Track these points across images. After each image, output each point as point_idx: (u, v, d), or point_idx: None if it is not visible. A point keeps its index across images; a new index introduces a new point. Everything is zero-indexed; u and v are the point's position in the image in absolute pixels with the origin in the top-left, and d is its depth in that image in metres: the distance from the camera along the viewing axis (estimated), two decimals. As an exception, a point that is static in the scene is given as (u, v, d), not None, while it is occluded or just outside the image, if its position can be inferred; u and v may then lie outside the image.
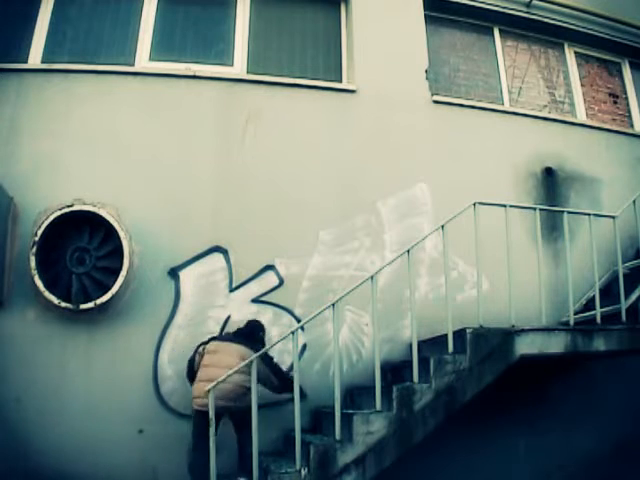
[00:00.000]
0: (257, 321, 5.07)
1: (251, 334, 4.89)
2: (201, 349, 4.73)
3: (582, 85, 7.21)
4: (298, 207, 5.62)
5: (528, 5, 6.88)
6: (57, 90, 5.44)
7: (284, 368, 5.02)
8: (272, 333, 5.28)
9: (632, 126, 7.29)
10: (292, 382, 4.33)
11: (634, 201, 5.48)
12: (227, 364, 4.45)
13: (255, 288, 5.39)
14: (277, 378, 4.77)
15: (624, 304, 5.01)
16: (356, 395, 5.13)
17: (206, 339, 4.84)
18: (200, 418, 4.46)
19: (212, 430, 4.11)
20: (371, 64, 6.14)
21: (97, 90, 5.49)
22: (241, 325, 5.02)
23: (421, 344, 4.68)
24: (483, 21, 6.92)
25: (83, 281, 5.07)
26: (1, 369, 4.83)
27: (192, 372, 4.73)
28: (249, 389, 4.24)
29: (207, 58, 5.96)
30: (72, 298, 4.93)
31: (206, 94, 5.70)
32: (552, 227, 6.07)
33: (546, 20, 6.99)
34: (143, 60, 5.77)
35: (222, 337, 4.92)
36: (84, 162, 5.29)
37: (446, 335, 4.56)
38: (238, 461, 4.63)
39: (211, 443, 4.09)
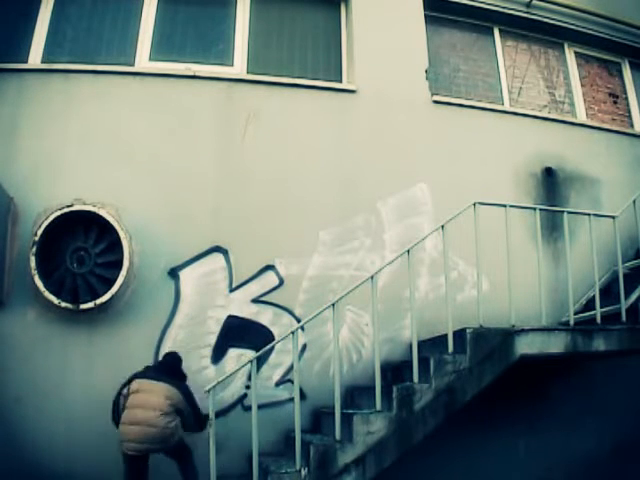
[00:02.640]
0: (175, 353, 4.88)
1: (172, 368, 4.72)
2: (125, 390, 4.49)
3: (582, 85, 7.21)
4: (298, 207, 5.62)
5: (528, 5, 6.88)
6: (57, 90, 5.44)
7: (283, 369, 5.03)
8: (272, 333, 5.29)
9: (632, 126, 7.30)
10: (206, 420, 4.34)
11: (634, 201, 5.48)
12: (153, 405, 4.35)
13: (255, 288, 5.39)
14: (194, 417, 4.59)
15: (624, 304, 5.02)
16: (356, 395, 5.14)
17: (127, 378, 4.57)
18: (131, 462, 4.39)
19: (211, 430, 4.12)
20: (371, 64, 6.14)
21: (97, 90, 5.49)
22: (159, 359, 4.91)
23: (421, 344, 4.68)
24: (483, 21, 6.92)
25: (83, 281, 5.07)
26: (1, 369, 4.83)
27: (117, 415, 4.49)
28: (175, 429, 4.38)
29: (207, 58, 5.95)
30: (74, 298, 4.94)
31: (206, 94, 5.70)
32: (552, 227, 6.07)
33: (546, 20, 6.99)
34: (143, 60, 5.77)
35: (144, 374, 4.59)
36: (84, 162, 5.30)
37: (446, 335, 4.57)
38: None
39: (211, 443, 4.09)
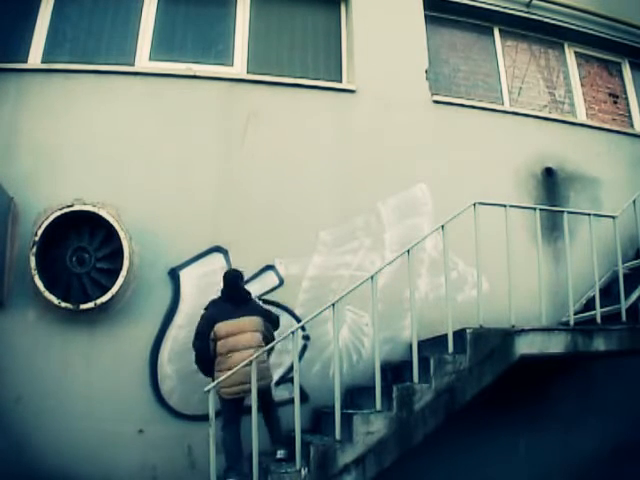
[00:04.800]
0: (234, 272, 4.93)
1: (239, 292, 4.81)
2: (212, 335, 4.62)
3: (582, 85, 7.21)
4: (298, 207, 5.62)
5: (528, 5, 6.88)
6: (57, 90, 5.44)
7: (283, 369, 5.14)
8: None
9: (632, 126, 7.29)
10: (278, 319, 4.88)
11: (634, 201, 5.48)
12: (244, 345, 4.53)
13: (255, 288, 5.38)
14: (274, 327, 4.86)
15: (624, 304, 5.02)
16: (356, 395, 5.14)
17: (205, 308, 4.78)
18: (232, 404, 4.51)
19: (212, 431, 4.12)
20: (371, 64, 6.13)
21: (97, 90, 5.48)
22: (223, 287, 4.88)
23: (421, 344, 4.68)
24: (483, 21, 6.92)
25: (83, 281, 5.07)
26: (1, 369, 4.83)
27: (208, 361, 4.63)
28: (269, 363, 4.69)
29: (207, 58, 5.95)
30: (74, 298, 4.94)
31: (206, 94, 5.70)
32: (552, 227, 6.07)
33: (546, 20, 6.99)
34: (143, 60, 5.76)
35: (223, 314, 4.65)
36: (84, 162, 5.29)
37: (446, 335, 4.56)
38: (273, 436, 4.69)
39: (211, 444, 4.10)
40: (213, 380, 4.46)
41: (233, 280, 4.85)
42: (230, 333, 4.59)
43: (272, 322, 4.87)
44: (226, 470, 4.44)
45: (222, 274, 4.96)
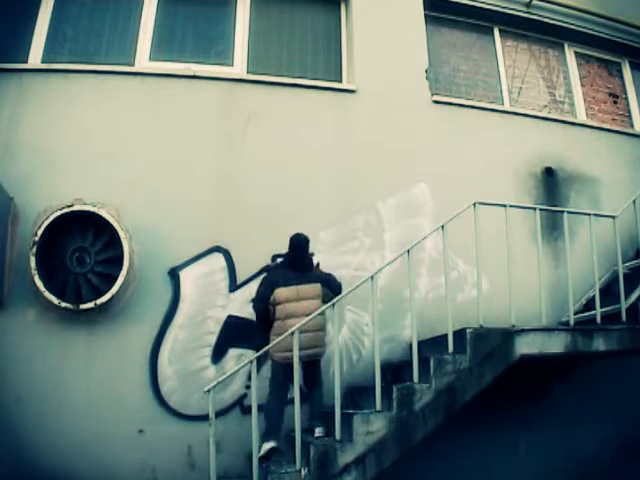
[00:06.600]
0: (300, 237, 4.84)
1: (303, 256, 4.80)
2: (271, 299, 4.64)
3: (582, 85, 7.21)
4: (298, 207, 5.62)
5: (528, 5, 6.88)
6: (57, 90, 5.44)
7: None
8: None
9: (632, 126, 7.30)
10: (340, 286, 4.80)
11: (634, 201, 5.48)
12: (304, 311, 4.52)
13: (255, 288, 5.38)
14: (334, 292, 4.74)
15: (624, 304, 5.02)
16: (356, 395, 5.13)
17: (267, 271, 4.94)
18: (285, 368, 4.46)
19: (212, 431, 4.12)
20: (371, 64, 6.14)
21: (97, 90, 5.48)
22: (288, 250, 4.87)
23: (421, 344, 4.68)
24: (483, 21, 6.92)
25: (83, 281, 5.07)
26: (1, 369, 4.83)
27: (267, 324, 4.68)
28: (324, 328, 4.65)
29: (207, 58, 5.95)
30: (74, 298, 4.94)
31: (206, 94, 5.70)
32: (552, 227, 6.07)
33: (546, 20, 6.99)
34: (143, 60, 5.76)
35: (283, 279, 4.68)
36: (84, 162, 5.29)
37: (446, 335, 4.56)
38: (313, 411, 4.71)
39: (211, 444, 4.09)
40: (267, 344, 4.52)
41: (299, 245, 4.83)
42: (290, 299, 4.63)
43: (333, 289, 4.78)
44: (263, 435, 4.48)
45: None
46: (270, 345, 4.41)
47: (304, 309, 4.56)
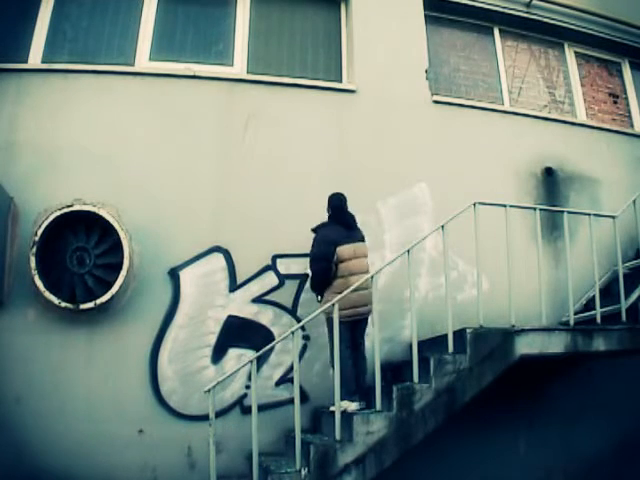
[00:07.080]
0: (339, 196, 5.04)
1: (346, 214, 4.99)
2: (334, 258, 4.75)
3: (582, 85, 7.21)
4: (298, 207, 5.61)
5: (528, 5, 6.88)
6: (57, 90, 5.44)
7: (283, 369, 5.18)
8: (272, 333, 5.29)
9: (632, 126, 7.30)
10: None
11: (634, 201, 5.49)
12: (362, 269, 4.75)
13: (255, 288, 5.39)
14: None
15: (624, 304, 5.02)
16: (356, 395, 5.13)
17: (314, 230, 4.96)
18: (347, 326, 4.65)
19: (212, 431, 4.12)
20: (371, 64, 6.14)
21: (97, 90, 5.48)
22: (331, 210, 5.03)
23: (421, 344, 4.67)
24: (483, 21, 6.92)
25: (83, 281, 5.07)
26: (1, 369, 4.83)
27: (326, 283, 4.79)
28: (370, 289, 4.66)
29: (207, 58, 5.95)
30: (74, 298, 4.93)
31: (206, 94, 5.70)
32: (552, 227, 6.07)
33: (546, 20, 6.99)
34: (143, 60, 5.76)
35: (340, 237, 4.83)
36: (84, 162, 5.29)
37: (446, 335, 4.57)
38: (358, 380, 4.77)
39: (211, 444, 4.10)
40: (321, 300, 4.81)
41: (340, 203, 5.01)
42: (351, 256, 4.77)
43: None
44: (346, 394, 4.53)
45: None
46: (333, 301, 4.36)
47: (362, 266, 4.80)
